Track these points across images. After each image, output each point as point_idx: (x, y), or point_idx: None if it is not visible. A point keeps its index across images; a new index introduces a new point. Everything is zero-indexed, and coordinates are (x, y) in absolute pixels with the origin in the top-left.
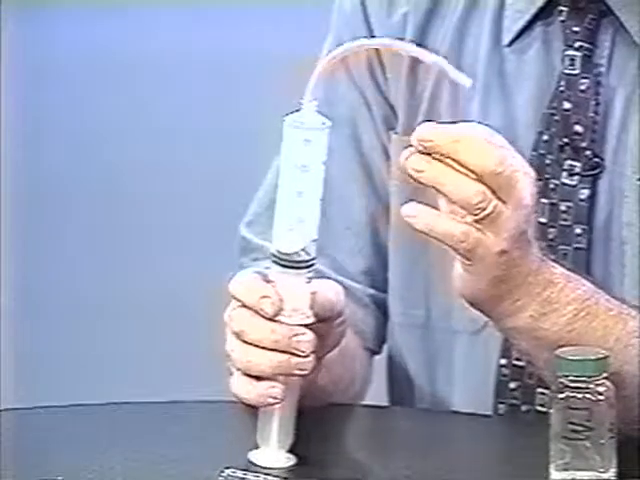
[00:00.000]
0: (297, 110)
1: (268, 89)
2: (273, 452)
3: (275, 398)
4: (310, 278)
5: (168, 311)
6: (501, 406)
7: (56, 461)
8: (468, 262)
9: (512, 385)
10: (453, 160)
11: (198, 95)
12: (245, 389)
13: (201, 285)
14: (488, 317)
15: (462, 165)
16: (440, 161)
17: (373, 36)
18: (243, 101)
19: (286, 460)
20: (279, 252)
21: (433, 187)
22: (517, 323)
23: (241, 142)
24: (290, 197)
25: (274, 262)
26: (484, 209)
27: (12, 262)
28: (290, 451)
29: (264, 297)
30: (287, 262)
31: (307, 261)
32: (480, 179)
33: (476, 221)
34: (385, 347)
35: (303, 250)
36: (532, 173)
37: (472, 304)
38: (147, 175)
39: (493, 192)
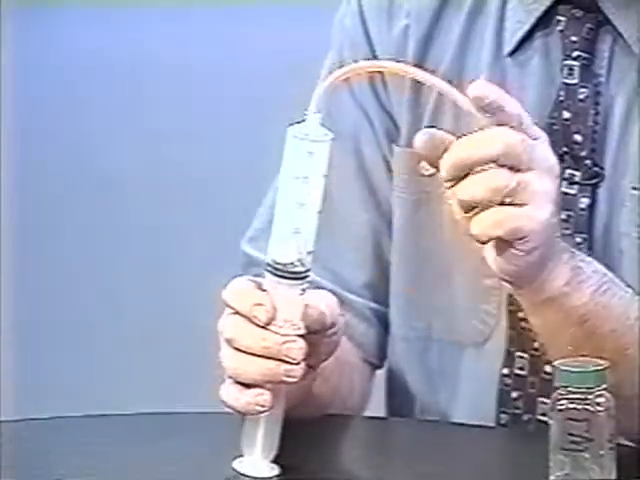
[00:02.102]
0: (301, 121)
1: (269, 93)
2: (257, 461)
3: (263, 406)
4: (304, 290)
5: (168, 318)
6: (503, 416)
7: (51, 472)
8: (520, 241)
9: (514, 395)
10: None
11: (198, 97)
12: (233, 397)
13: (197, 296)
14: (519, 292)
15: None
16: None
17: (374, 50)
18: (244, 105)
19: (270, 470)
20: (274, 262)
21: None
22: (550, 292)
23: (241, 145)
24: (290, 208)
25: (268, 271)
26: (510, 187)
27: (11, 267)
28: (275, 461)
29: (258, 305)
30: (282, 272)
31: (302, 272)
32: (496, 161)
33: (510, 202)
34: (385, 362)
35: (299, 261)
36: (544, 136)
37: (511, 282)
38: (146, 177)
39: (512, 168)
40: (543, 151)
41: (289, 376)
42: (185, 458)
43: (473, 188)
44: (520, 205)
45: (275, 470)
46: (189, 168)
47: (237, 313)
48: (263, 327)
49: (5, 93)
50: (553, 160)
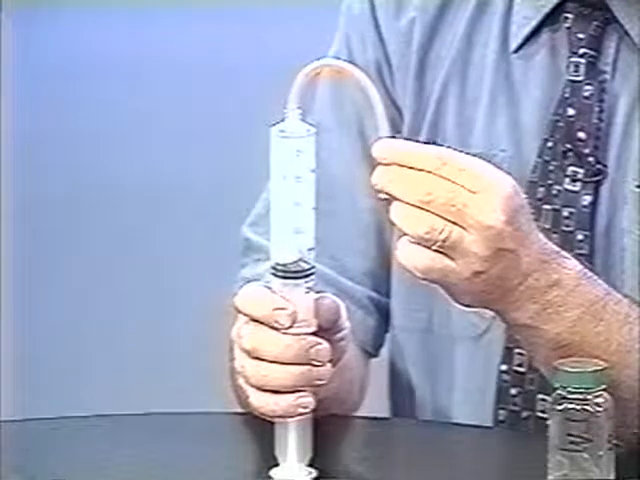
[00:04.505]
0: (282, 120)
1: (268, 92)
2: (293, 467)
3: (307, 407)
4: (309, 288)
5: (168, 318)
6: (501, 412)
7: (51, 473)
8: (443, 288)
9: (513, 391)
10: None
11: (198, 97)
12: (272, 402)
13: (197, 296)
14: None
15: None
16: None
17: (382, 38)
18: (243, 104)
19: (307, 474)
20: (278, 264)
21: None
22: (517, 321)
23: (241, 145)
24: (287, 208)
25: (274, 275)
26: (436, 239)
27: (12, 267)
28: (311, 464)
29: (279, 309)
30: (286, 273)
31: (305, 270)
32: (429, 209)
33: (438, 250)
34: (386, 353)
35: (301, 260)
36: (504, 188)
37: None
38: (146, 177)
39: (447, 219)
40: (481, 211)
41: (320, 379)
42: (186, 458)
43: (403, 220)
44: (448, 256)
45: (312, 474)
46: (189, 169)
47: (254, 320)
48: (282, 331)
49: (5, 93)
50: (492, 219)
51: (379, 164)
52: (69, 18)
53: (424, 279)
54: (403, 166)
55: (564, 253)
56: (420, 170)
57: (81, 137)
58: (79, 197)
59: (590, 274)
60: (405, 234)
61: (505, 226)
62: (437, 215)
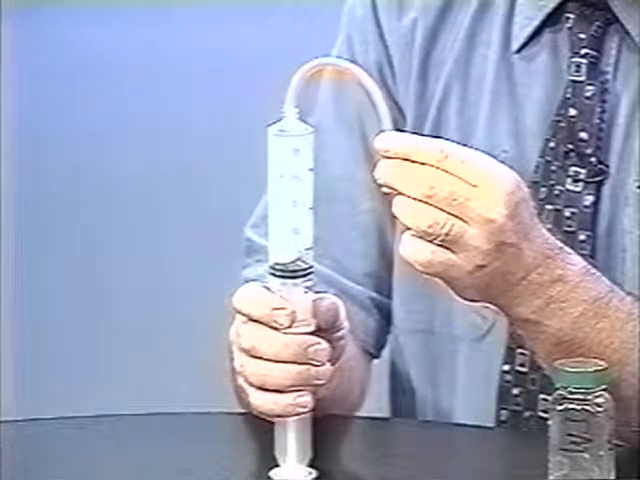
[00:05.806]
0: (279, 120)
1: (269, 93)
2: (293, 468)
3: (305, 407)
4: (308, 287)
5: (168, 318)
6: (503, 412)
7: (51, 473)
8: (445, 283)
9: (515, 391)
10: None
11: (198, 96)
12: (271, 402)
13: (202, 295)
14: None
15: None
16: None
17: (384, 39)
18: (241, 103)
19: (307, 474)
20: (276, 264)
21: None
22: (520, 316)
23: (241, 144)
24: (284, 207)
25: (272, 274)
26: (438, 233)
27: (12, 267)
28: (311, 465)
29: (278, 309)
30: (285, 272)
31: (303, 269)
32: (431, 203)
33: (440, 244)
34: (387, 354)
35: (299, 259)
36: (506, 182)
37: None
38: (146, 177)
39: (450, 213)
40: (483, 204)
41: (319, 378)
42: (186, 458)
43: (405, 214)
44: (450, 250)
45: (312, 474)
46: (190, 169)
47: (253, 320)
48: (277, 331)
49: (5, 93)
50: (493, 213)
51: (382, 157)
52: (69, 18)
53: (426, 273)
54: (405, 159)
55: (568, 249)
56: (422, 163)
57: (82, 137)
58: (80, 197)
59: (594, 271)
60: (408, 228)
61: (507, 220)
62: (439, 209)
